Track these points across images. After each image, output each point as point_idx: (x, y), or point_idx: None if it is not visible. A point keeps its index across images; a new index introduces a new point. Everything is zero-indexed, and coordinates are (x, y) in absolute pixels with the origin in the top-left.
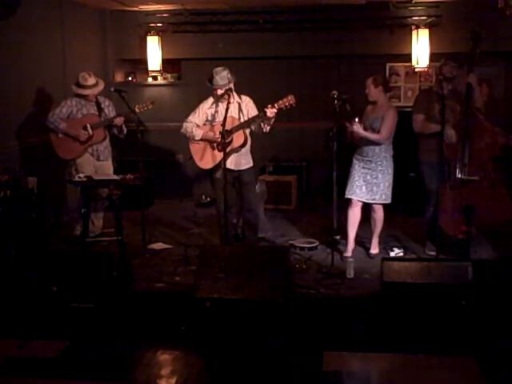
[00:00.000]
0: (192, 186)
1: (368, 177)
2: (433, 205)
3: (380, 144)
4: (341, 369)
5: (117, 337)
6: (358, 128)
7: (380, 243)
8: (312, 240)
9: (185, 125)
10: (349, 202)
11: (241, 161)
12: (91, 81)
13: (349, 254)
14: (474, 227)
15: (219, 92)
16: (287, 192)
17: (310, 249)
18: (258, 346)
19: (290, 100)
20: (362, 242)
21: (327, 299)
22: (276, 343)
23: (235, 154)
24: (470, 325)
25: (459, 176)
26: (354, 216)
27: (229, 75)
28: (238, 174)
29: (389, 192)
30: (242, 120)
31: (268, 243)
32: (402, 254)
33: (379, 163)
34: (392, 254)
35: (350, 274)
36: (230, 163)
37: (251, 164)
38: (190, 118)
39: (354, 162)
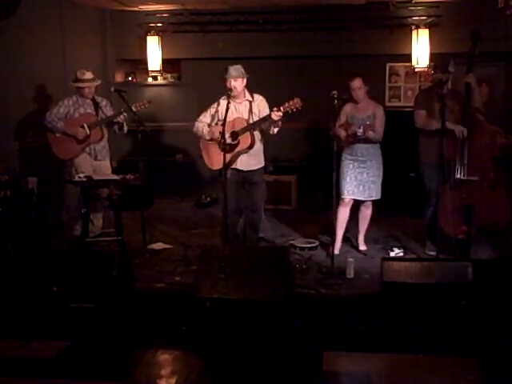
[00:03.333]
0: (192, 186)
1: (364, 175)
2: (433, 205)
3: (375, 142)
4: (341, 369)
5: (117, 337)
6: (370, 132)
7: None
8: (312, 240)
9: (196, 124)
10: (340, 201)
11: (250, 161)
12: (88, 75)
13: (337, 251)
14: (473, 227)
15: (232, 83)
16: (287, 192)
17: (310, 249)
18: (258, 346)
19: (296, 103)
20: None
21: (327, 299)
22: (276, 343)
23: (244, 155)
24: (470, 325)
25: (459, 176)
26: (346, 215)
27: (242, 70)
28: (246, 175)
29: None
30: (251, 120)
31: (268, 243)
32: (401, 254)
33: (374, 161)
34: (392, 254)
35: (350, 274)
36: (239, 164)
37: (262, 164)
38: (202, 117)
39: (347, 162)
